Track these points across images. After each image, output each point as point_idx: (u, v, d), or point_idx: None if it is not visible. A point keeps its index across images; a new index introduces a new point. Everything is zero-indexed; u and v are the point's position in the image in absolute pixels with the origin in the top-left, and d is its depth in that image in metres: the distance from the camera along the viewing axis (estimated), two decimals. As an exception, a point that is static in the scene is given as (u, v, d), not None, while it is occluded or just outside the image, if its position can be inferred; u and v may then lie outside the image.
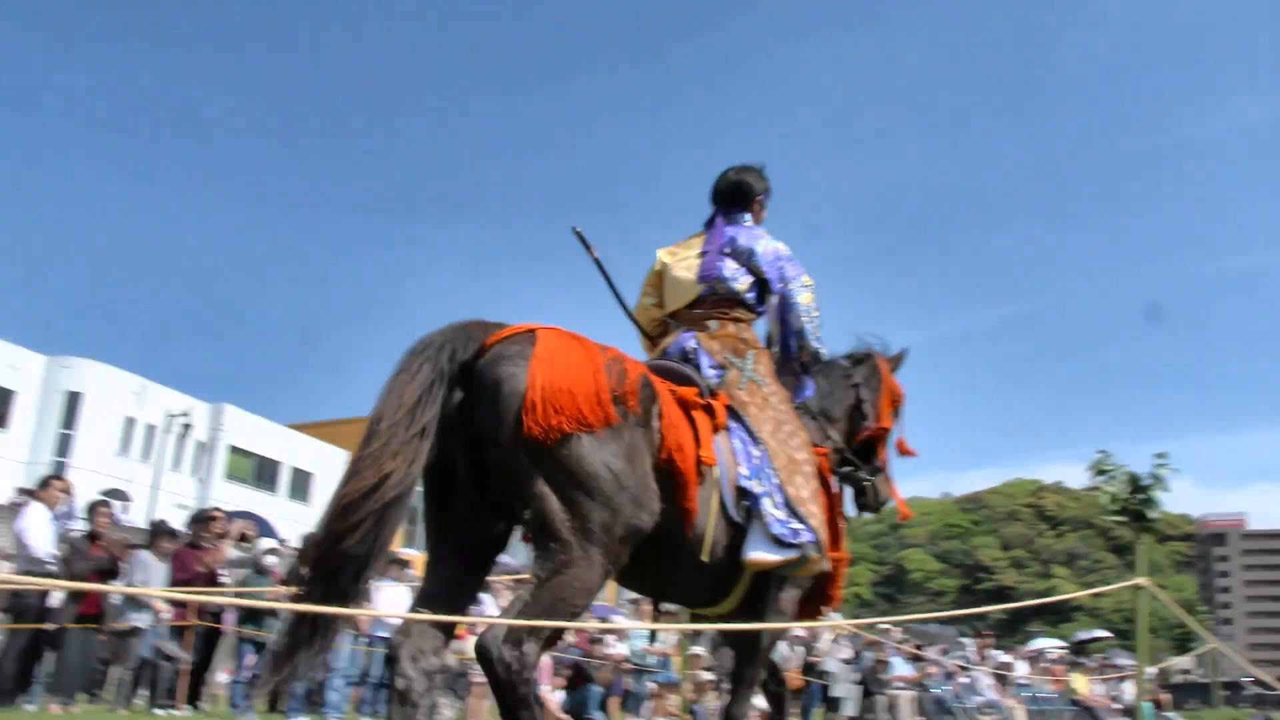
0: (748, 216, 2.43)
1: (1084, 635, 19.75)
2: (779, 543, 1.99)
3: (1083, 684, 13.90)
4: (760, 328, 2.39)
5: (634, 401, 1.70)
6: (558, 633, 1.76)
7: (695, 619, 2.38)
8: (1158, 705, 19.25)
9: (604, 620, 7.34)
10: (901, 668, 11.18)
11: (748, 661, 2.18)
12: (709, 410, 1.96)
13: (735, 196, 2.42)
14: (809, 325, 2.35)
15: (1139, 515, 2.80)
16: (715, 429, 1.95)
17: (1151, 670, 17.51)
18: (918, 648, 12.49)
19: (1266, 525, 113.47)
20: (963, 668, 12.39)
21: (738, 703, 2.15)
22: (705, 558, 1.90)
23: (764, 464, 2.07)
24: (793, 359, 2.37)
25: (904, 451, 2.65)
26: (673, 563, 1.90)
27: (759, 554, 1.99)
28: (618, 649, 8.38)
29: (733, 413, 2.09)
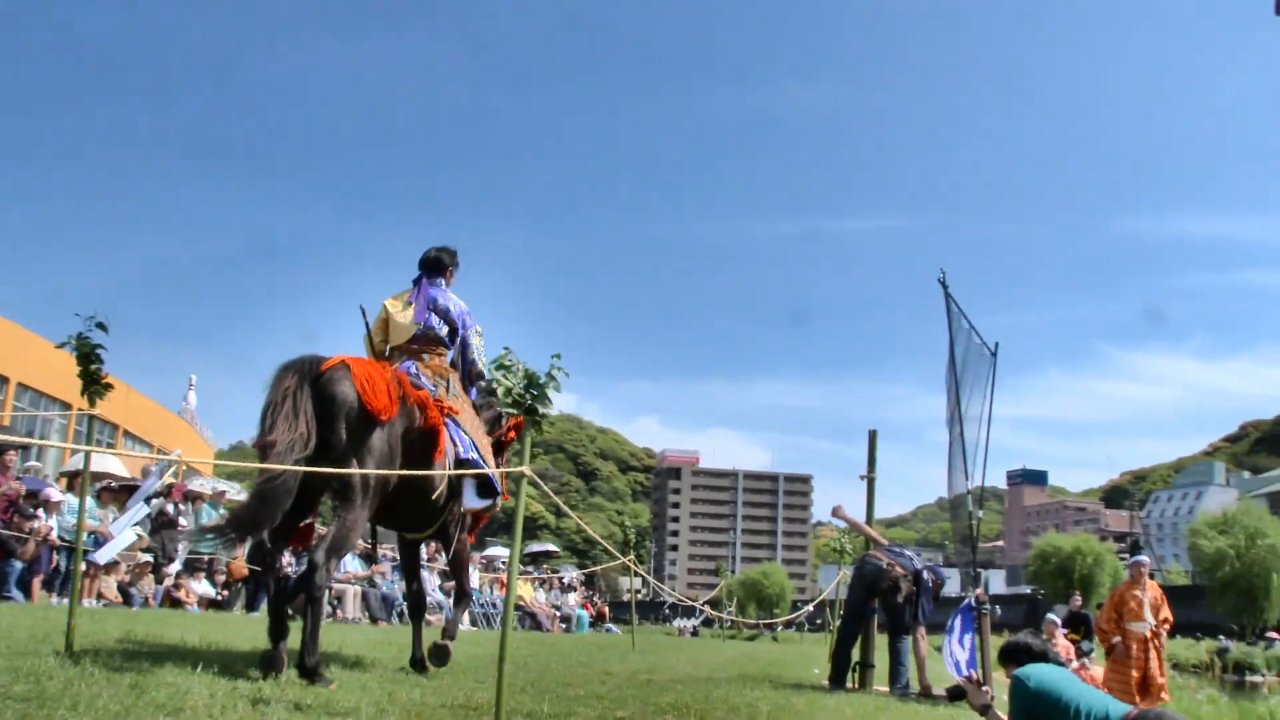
0: (442, 281, 4.93)
1: (537, 548, 24.20)
2: (483, 495, 4.68)
3: (528, 591, 17.32)
4: (450, 356, 5.12)
5: (410, 403, 4.24)
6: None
7: (403, 540, 5.23)
8: (599, 617, 24.96)
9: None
10: (352, 564, 12.45)
11: (462, 576, 5.28)
12: (442, 411, 4.46)
13: (435, 266, 4.93)
14: (477, 357, 5.04)
15: (531, 410, 3.79)
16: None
17: (574, 573, 22.52)
18: (371, 546, 13.96)
19: (714, 464, 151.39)
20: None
21: (460, 605, 5.55)
22: (435, 501, 4.46)
23: (470, 444, 4.64)
24: (467, 375, 5.06)
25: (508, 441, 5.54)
26: (410, 504, 4.39)
27: (472, 504, 4.68)
28: (47, 523, 8.34)
29: (447, 413, 4.57)
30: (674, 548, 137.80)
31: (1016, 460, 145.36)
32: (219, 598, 11.94)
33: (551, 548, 25.26)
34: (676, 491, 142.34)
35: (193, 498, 12.45)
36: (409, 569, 5.38)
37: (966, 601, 5.83)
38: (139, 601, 9.94)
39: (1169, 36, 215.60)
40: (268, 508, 3.84)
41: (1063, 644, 11.99)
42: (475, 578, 16.84)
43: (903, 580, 6.94)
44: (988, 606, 5.83)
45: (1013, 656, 4.00)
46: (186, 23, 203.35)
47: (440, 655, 5.18)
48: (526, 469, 3.91)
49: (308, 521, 4.37)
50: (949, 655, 5.52)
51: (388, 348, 4.98)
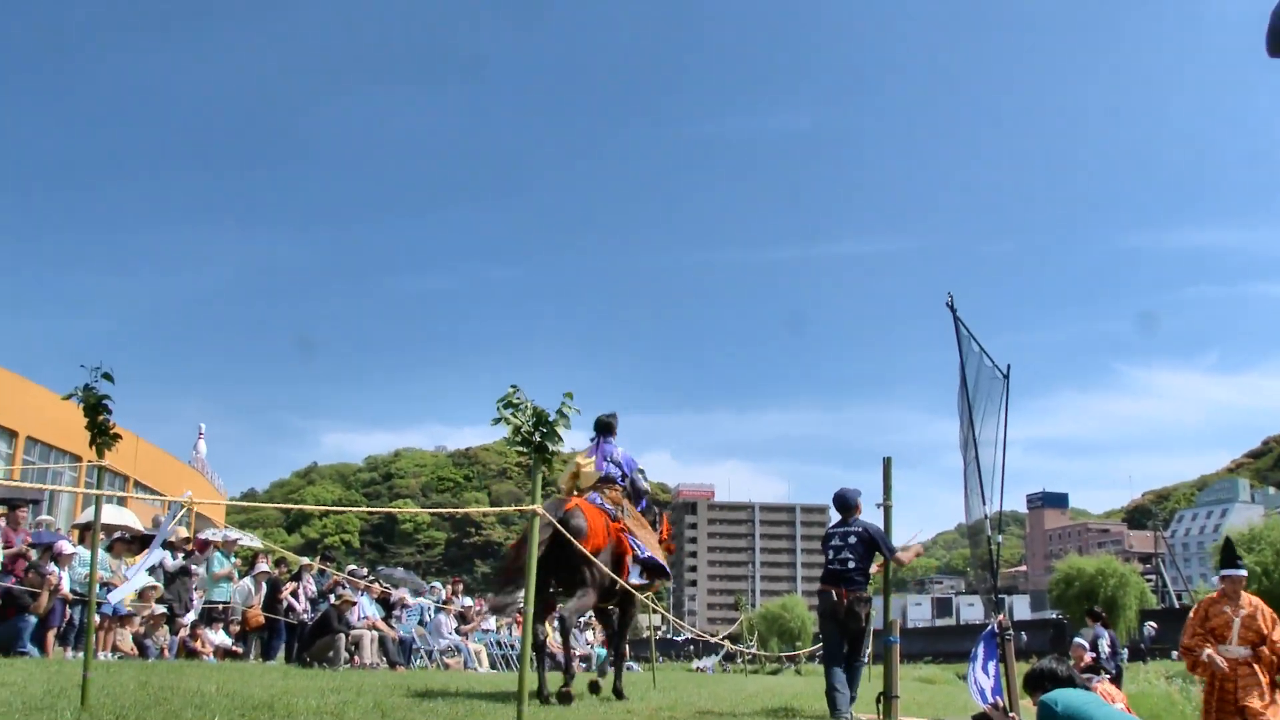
0: (613, 439, 7.90)
1: (556, 586, 24.05)
2: (647, 575, 7.70)
3: (548, 631, 17.19)
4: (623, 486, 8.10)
5: (612, 532, 7.45)
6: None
7: (599, 608, 8.50)
8: (619, 654, 24.74)
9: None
10: (370, 608, 12.41)
11: (624, 639, 8.50)
12: (625, 530, 7.59)
13: (607, 429, 7.99)
14: (642, 482, 8.11)
15: (540, 447, 3.83)
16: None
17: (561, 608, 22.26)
18: (386, 590, 13.92)
19: (730, 498, 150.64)
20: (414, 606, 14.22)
21: (619, 662, 8.59)
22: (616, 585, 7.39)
23: (642, 545, 7.59)
24: (637, 497, 8.04)
25: (669, 549, 8.51)
26: (607, 588, 7.39)
27: (636, 580, 7.60)
28: (58, 574, 8.45)
29: (629, 531, 7.63)
30: (692, 583, 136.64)
31: (1036, 483, 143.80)
32: (235, 648, 11.92)
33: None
34: (693, 526, 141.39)
35: (203, 546, 12.46)
36: (605, 624, 9.10)
37: (989, 628, 5.75)
38: (154, 653, 9.92)
39: (1171, 47, 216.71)
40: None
41: (1087, 659, 11.79)
42: (492, 620, 16.73)
43: (859, 604, 7.03)
44: (1010, 633, 5.75)
45: (1038, 683, 3.94)
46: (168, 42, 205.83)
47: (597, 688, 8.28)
48: (538, 506, 3.90)
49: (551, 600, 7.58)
50: (973, 683, 5.43)
51: (576, 485, 8.25)
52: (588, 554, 6.65)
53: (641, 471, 8.38)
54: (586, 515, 7.23)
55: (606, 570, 7.08)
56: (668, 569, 8.12)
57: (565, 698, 7.04)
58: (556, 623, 7.72)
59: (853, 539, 7.25)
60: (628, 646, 16.97)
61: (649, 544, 7.92)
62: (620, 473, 8.14)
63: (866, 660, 7.03)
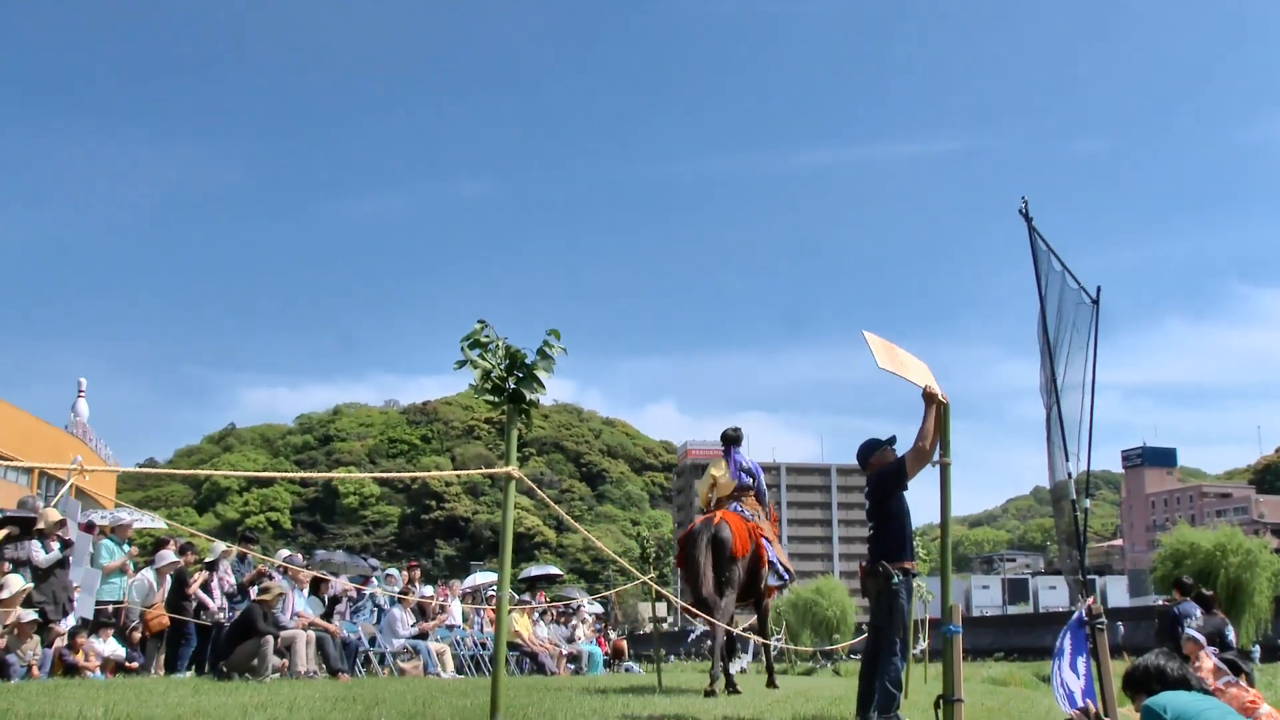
0: (740, 449, 11.86)
1: (535, 571, 24.35)
2: (778, 579, 11.63)
3: (525, 626, 17.43)
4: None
5: (751, 541, 11.16)
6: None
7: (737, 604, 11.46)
8: (616, 654, 24.90)
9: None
10: (301, 604, 12.53)
11: (766, 628, 12.28)
12: (761, 536, 11.49)
13: (736, 440, 11.87)
14: (766, 491, 12.24)
15: (515, 396, 3.77)
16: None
17: (582, 600, 22.59)
18: (325, 579, 14.05)
19: (750, 458, 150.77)
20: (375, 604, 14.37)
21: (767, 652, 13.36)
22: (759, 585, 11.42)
23: (771, 549, 11.52)
24: (764, 502, 12.19)
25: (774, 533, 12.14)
26: (750, 590, 11.26)
27: (773, 583, 11.59)
28: None
29: (764, 537, 11.54)
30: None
31: (1135, 437, 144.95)
32: (130, 661, 11.93)
33: (553, 570, 25.38)
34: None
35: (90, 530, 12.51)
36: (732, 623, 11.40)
37: (1076, 615, 5.79)
38: (19, 672, 9.68)
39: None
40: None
41: (1210, 666, 11.89)
42: (457, 610, 16.96)
43: (872, 579, 7.19)
44: (1103, 621, 5.78)
45: (1142, 684, 3.95)
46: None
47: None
48: (512, 468, 3.88)
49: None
50: (1058, 685, 5.48)
51: (715, 496, 11.68)
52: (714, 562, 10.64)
53: (764, 473, 12.51)
54: (732, 526, 10.80)
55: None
56: (790, 575, 11.86)
57: (732, 687, 10.62)
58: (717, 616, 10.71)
59: (866, 499, 7.47)
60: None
61: (777, 549, 11.67)
62: (751, 480, 11.87)
63: (898, 656, 7.10)
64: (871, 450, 7.60)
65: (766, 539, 11.32)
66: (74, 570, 11.46)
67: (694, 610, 10.63)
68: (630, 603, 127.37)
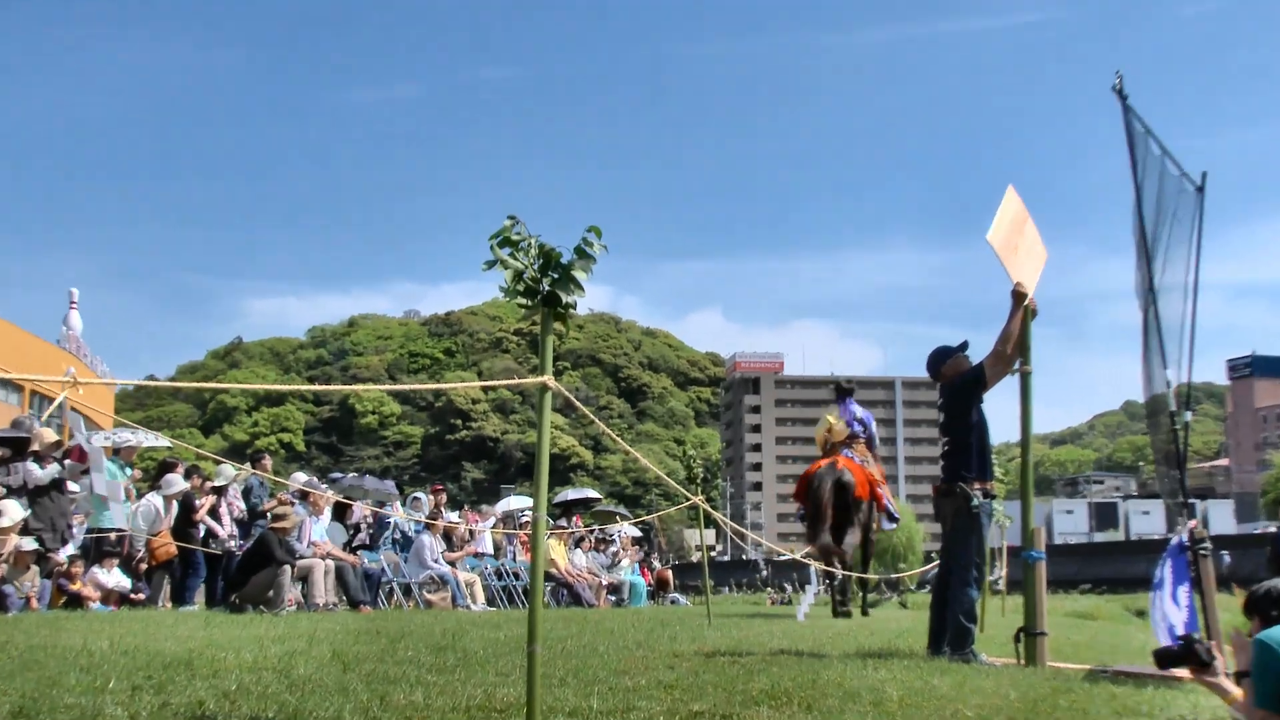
0: (851, 398, 14.66)
1: (571, 494, 24.63)
2: (890, 519, 14.53)
3: (561, 554, 17.70)
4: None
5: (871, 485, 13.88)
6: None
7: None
8: (660, 585, 25.27)
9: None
10: (319, 532, 12.79)
11: (866, 568, 14.71)
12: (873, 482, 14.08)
13: (849, 392, 14.77)
14: (876, 438, 14.72)
15: (551, 298, 3.76)
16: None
17: (623, 527, 22.91)
18: (346, 503, 14.31)
19: (804, 370, 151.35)
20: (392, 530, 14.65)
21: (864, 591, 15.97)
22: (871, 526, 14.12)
23: (886, 496, 14.29)
24: (874, 451, 14.49)
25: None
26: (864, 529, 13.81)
27: (886, 526, 14.70)
28: None
29: (877, 483, 14.14)
30: (757, 485, 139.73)
31: (1242, 344, 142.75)
32: (135, 592, 12.24)
33: (591, 494, 25.69)
34: (756, 410, 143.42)
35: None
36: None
37: (1176, 541, 5.75)
38: (17, 605, 9.91)
39: None
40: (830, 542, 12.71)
41: None
42: (488, 538, 17.26)
43: (944, 499, 7.26)
44: (1207, 546, 5.75)
45: (1264, 607, 3.92)
46: None
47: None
48: (547, 378, 3.88)
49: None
50: (1158, 616, 5.48)
51: (829, 439, 13.85)
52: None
53: (874, 422, 14.74)
54: (854, 472, 13.06)
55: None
56: (898, 517, 14.78)
57: (846, 614, 13.26)
58: (837, 556, 12.90)
59: (939, 412, 7.49)
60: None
61: (887, 493, 13.95)
62: (862, 428, 14.14)
63: (972, 586, 7.12)
64: (943, 358, 7.54)
65: (879, 483, 13.83)
66: (94, 479, 11.69)
67: (820, 550, 12.73)
68: (675, 529, 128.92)
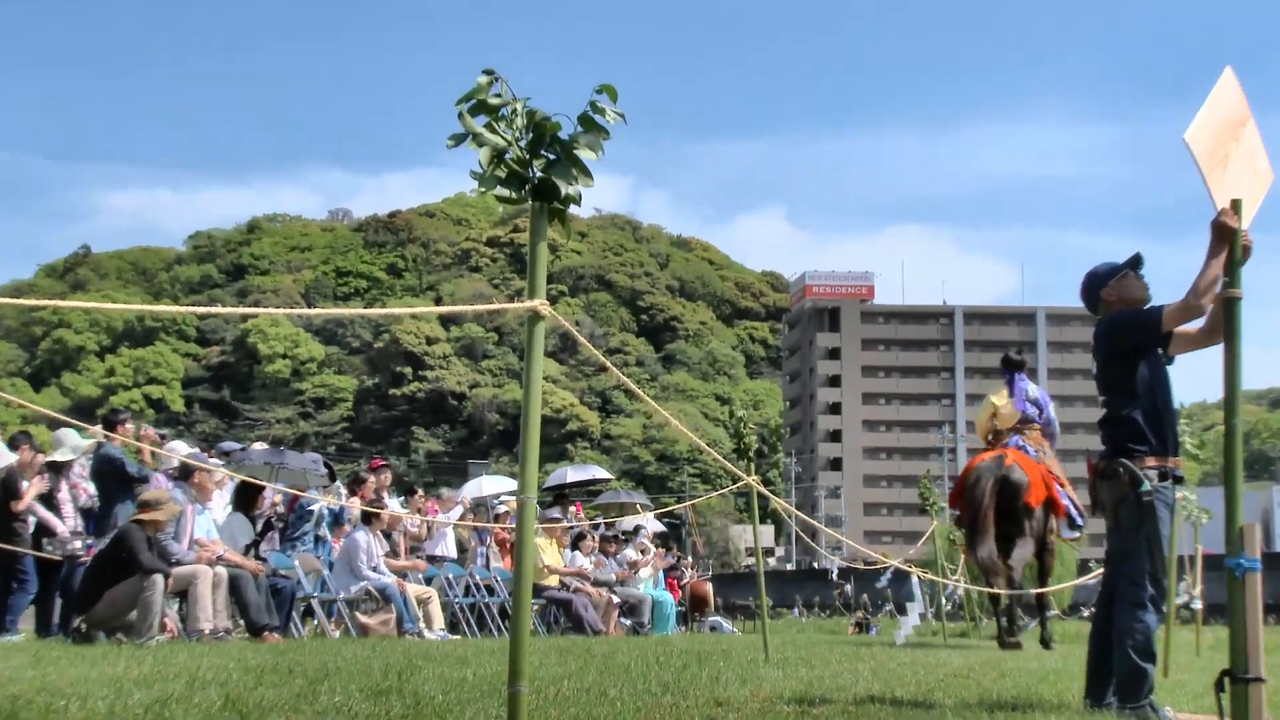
0: (1024, 375, 16.11)
1: (573, 474, 24.68)
2: (1072, 529, 15.81)
3: (553, 556, 17.72)
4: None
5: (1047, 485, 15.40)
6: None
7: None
8: (696, 604, 25.15)
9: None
10: (204, 525, 12.84)
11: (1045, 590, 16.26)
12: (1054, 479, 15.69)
13: (1020, 366, 16.05)
14: (1055, 423, 16.20)
15: (544, 188, 3.72)
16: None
17: (643, 520, 22.91)
18: (250, 483, 14.35)
19: (903, 298, 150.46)
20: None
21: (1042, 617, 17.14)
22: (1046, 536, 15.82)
23: (1066, 495, 15.48)
24: (1052, 436, 16.01)
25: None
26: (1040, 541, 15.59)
27: (1068, 535, 16.16)
28: None
29: (1057, 482, 15.56)
30: (835, 463, 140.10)
31: None
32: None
33: (598, 473, 25.82)
34: (833, 353, 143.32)
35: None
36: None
37: None
38: None
39: None
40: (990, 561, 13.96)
41: None
42: (450, 537, 17.31)
43: (1103, 483, 7.31)
44: None
45: None
46: None
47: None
48: (539, 302, 3.81)
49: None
50: None
51: (994, 425, 15.47)
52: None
53: (1053, 402, 15.75)
54: (1025, 469, 14.09)
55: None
56: (1085, 520, 14.98)
57: (1015, 646, 14.34)
58: (1003, 576, 13.78)
59: (1095, 360, 7.49)
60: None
61: (1071, 492, 14.80)
62: (1037, 410, 15.29)
63: (1148, 608, 7.01)
64: (1102, 281, 7.41)
65: (1059, 481, 14.86)
66: None
67: (981, 566, 13.99)
68: (718, 525, 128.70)
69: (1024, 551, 14.01)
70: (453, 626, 15.41)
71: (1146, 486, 6.96)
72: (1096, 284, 7.47)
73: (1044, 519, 14.49)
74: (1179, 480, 7.24)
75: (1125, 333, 7.18)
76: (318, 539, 15.34)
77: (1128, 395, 7.13)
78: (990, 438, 15.65)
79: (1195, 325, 7.10)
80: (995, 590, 14.12)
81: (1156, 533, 7.02)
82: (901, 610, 21.72)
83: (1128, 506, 7.04)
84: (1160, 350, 7.23)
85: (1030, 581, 15.27)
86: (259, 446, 18.42)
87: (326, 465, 17.30)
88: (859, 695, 7.42)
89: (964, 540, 15.24)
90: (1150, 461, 7.00)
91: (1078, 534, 15.95)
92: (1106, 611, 7.23)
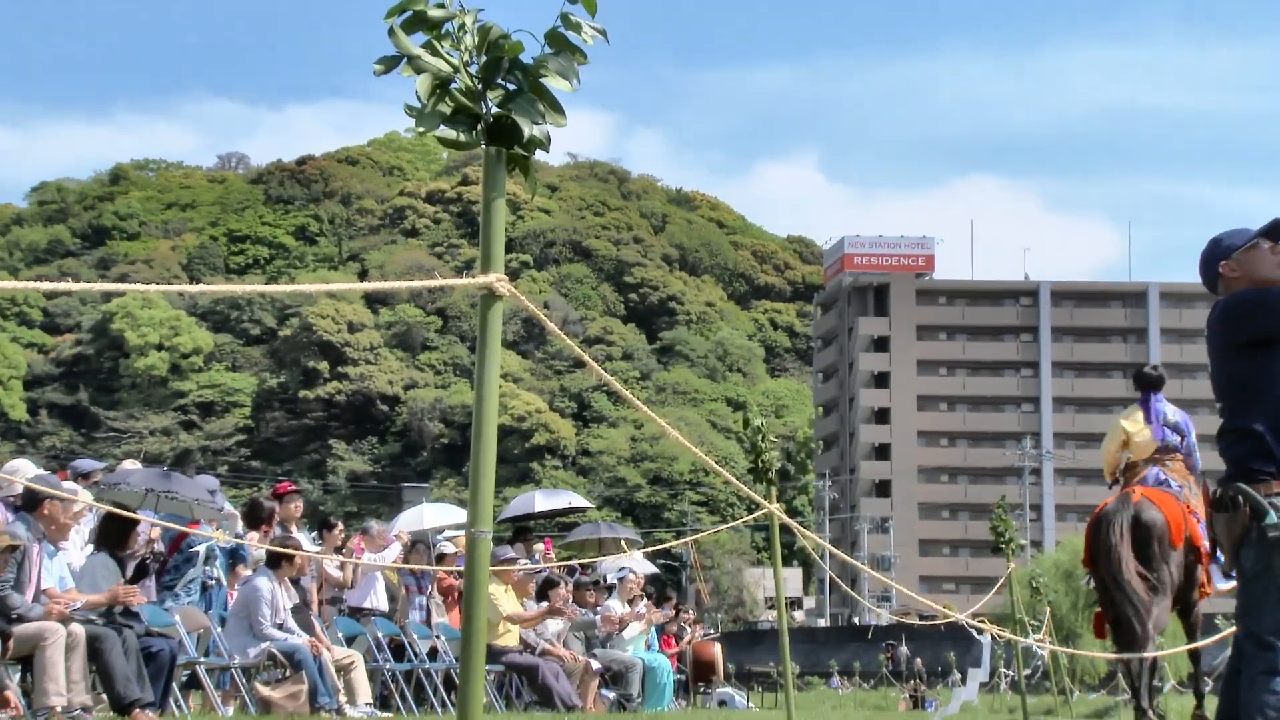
0: (1161, 395, 16.96)
1: (540, 502, 24.72)
2: (1227, 575, 14.99)
3: (512, 607, 17.78)
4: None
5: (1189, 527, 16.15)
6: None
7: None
8: (704, 672, 25.10)
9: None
10: (55, 572, 12.89)
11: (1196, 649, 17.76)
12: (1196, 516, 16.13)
13: (1158, 384, 17.14)
14: (1197, 453, 17.03)
15: (503, 129, 3.73)
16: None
17: (630, 562, 22.89)
18: (121, 514, 14.41)
19: (971, 272, 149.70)
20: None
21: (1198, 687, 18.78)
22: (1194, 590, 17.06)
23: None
24: (1195, 472, 16.66)
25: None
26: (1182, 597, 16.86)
27: (1221, 585, 16.21)
28: None
29: (1197, 515, 15.82)
30: (883, 487, 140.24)
31: None
32: None
33: (576, 500, 25.91)
34: (880, 344, 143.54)
35: None
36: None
37: None
38: None
39: None
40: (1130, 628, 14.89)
41: None
42: (379, 584, 17.34)
43: (1220, 518, 7.24)
44: None
45: None
46: None
47: None
48: (494, 276, 3.83)
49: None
50: None
51: (1125, 457, 16.24)
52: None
53: (1193, 426, 16.54)
54: (1162, 508, 14.88)
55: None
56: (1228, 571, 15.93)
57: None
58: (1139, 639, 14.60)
59: (1211, 355, 7.44)
60: (721, 652, 17.78)
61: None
62: (1179, 437, 16.02)
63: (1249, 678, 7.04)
64: (1225, 251, 7.40)
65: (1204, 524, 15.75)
66: None
67: (1116, 634, 15.10)
68: (729, 567, 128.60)
69: (1165, 606, 14.75)
70: (383, 701, 15.43)
71: (1274, 519, 6.95)
72: (1217, 255, 7.33)
73: (1185, 565, 15.15)
74: None
75: (1250, 318, 7.15)
76: (205, 587, 15.35)
77: (1253, 400, 7.13)
78: (1120, 472, 16.31)
79: None
80: (1128, 658, 14.88)
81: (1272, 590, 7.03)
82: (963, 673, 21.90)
83: (1250, 546, 7.05)
84: None
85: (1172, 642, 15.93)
86: (131, 465, 18.41)
87: (207, 491, 17.21)
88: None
89: (1099, 602, 15.60)
90: (1243, 494, 7.01)
91: (1231, 584, 15.44)
92: (1235, 683, 7.26)
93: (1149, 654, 15.47)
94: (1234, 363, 7.19)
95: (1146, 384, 16.59)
